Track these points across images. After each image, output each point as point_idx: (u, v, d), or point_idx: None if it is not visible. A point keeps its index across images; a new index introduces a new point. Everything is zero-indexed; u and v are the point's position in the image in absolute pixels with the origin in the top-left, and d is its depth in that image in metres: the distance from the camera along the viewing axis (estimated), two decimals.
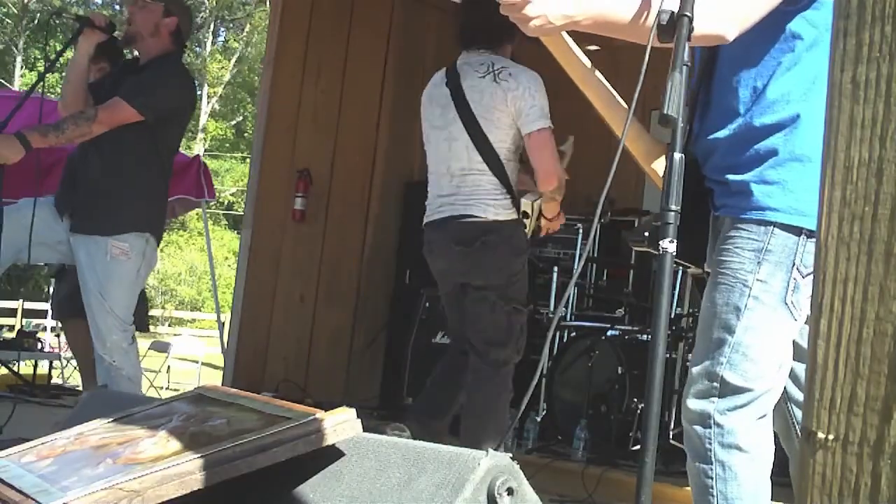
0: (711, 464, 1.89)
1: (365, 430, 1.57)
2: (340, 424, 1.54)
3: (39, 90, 4.02)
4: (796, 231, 1.93)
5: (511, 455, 1.36)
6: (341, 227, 6.64)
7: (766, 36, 1.96)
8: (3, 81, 25.85)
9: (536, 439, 5.03)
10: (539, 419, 5.14)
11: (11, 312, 14.74)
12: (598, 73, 2.01)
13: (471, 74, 3.66)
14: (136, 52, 3.94)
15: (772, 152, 1.94)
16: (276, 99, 6.41)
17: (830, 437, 0.73)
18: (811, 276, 1.99)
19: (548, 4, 1.78)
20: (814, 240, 1.95)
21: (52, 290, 8.06)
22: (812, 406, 0.74)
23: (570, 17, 1.80)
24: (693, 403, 1.92)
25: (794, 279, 1.93)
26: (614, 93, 2.01)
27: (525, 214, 3.67)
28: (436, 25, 7.12)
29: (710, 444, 1.89)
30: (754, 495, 1.93)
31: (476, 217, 3.58)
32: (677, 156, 1.62)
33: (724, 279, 1.94)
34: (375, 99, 6.80)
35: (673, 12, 1.71)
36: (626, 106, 1.97)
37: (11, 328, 11.71)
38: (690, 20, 1.69)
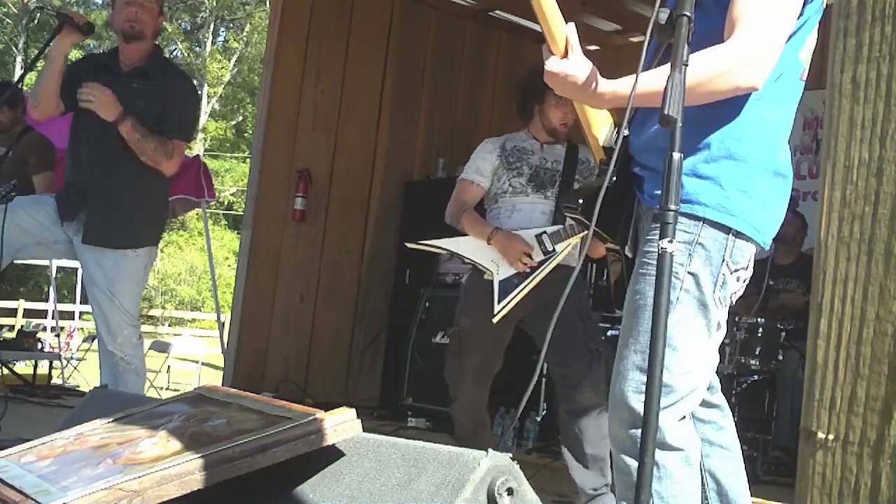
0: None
1: (365, 430, 1.57)
2: (340, 424, 1.54)
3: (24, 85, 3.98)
4: (724, 229, 1.88)
5: (511, 455, 1.36)
6: (341, 227, 6.65)
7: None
8: None
9: (536, 439, 5.03)
10: (539, 419, 5.13)
11: (11, 312, 14.75)
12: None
13: None
14: (98, 47, 3.90)
15: (706, 146, 1.87)
16: (276, 99, 6.41)
17: (830, 437, 0.73)
18: (738, 273, 1.95)
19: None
20: (743, 239, 1.90)
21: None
22: (812, 406, 0.74)
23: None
24: (634, 400, 1.83)
25: (723, 274, 1.88)
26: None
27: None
28: (436, 25, 7.13)
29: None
30: (688, 495, 1.87)
31: None
32: (676, 155, 1.61)
33: (653, 269, 1.77)
34: (375, 99, 6.80)
35: (671, 12, 1.68)
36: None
37: (11, 328, 11.70)
38: (690, 20, 1.65)
